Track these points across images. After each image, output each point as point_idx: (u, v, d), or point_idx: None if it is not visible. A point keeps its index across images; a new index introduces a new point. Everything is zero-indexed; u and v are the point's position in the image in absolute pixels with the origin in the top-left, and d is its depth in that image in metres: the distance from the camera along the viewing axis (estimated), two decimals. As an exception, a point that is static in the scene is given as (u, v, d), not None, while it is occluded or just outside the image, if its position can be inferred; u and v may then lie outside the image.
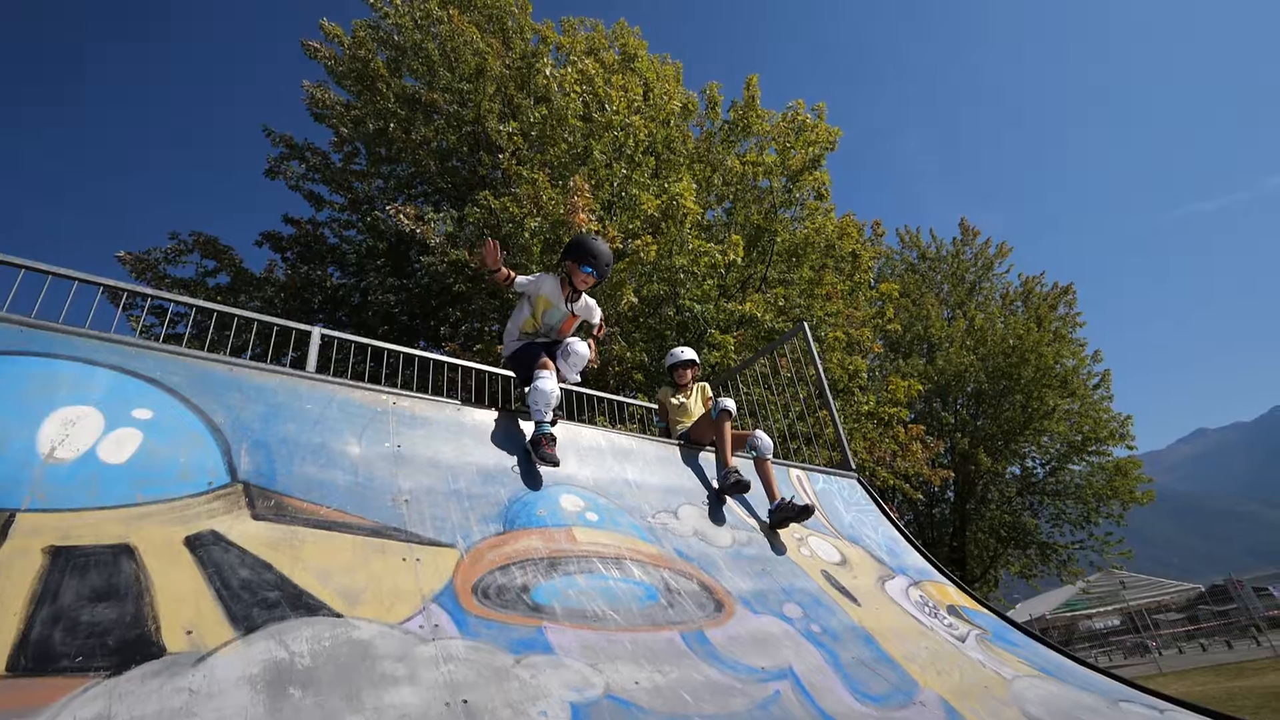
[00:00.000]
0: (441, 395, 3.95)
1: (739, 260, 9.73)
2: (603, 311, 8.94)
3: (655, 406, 5.76)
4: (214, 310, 4.49)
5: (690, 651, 2.72)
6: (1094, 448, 20.81)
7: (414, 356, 5.58)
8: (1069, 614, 32.51)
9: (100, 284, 3.68)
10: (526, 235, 8.20)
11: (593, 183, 9.09)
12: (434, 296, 11.07)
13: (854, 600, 3.84)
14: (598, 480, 3.66)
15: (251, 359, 4.52)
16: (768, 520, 4.23)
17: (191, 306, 5.31)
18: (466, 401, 3.68)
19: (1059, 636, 31.40)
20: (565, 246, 4.04)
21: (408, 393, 3.45)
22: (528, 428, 3.82)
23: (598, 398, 7.10)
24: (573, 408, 6.51)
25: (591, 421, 6.80)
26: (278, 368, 3.18)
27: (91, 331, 2.82)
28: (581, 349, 3.89)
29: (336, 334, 4.94)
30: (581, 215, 7.85)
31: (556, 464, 3.42)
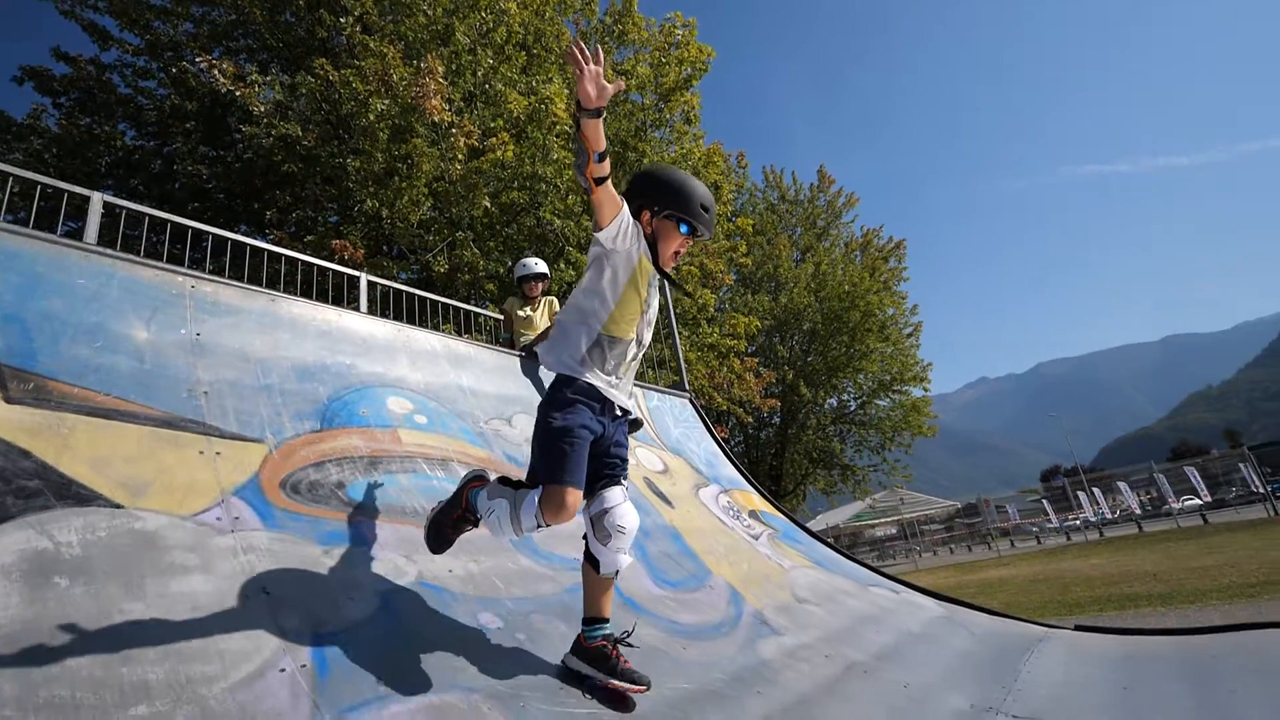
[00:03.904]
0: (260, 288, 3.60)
1: (603, 178, 9.62)
2: (454, 215, 8.43)
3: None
4: (-48, 154, 3.64)
5: (508, 545, 2.87)
6: (899, 387, 23.99)
7: (228, 240, 4.99)
8: (857, 524, 38.28)
9: None
10: (371, 117, 7.44)
11: (452, 68, 8.37)
12: (259, 175, 9.80)
13: (669, 504, 4.23)
14: (429, 384, 3.61)
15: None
16: (599, 431, 4.45)
17: (-81, 147, 4.26)
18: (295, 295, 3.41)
19: (848, 542, 36.92)
20: (640, 183, 2.23)
21: (211, 277, 3.11)
22: (361, 326, 3.63)
23: (445, 304, 6.85)
24: (414, 312, 6.23)
25: (436, 328, 6.58)
26: (37, 233, 2.71)
27: None
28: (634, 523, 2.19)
29: (127, 204, 4.25)
30: (434, 102, 7.25)
31: None
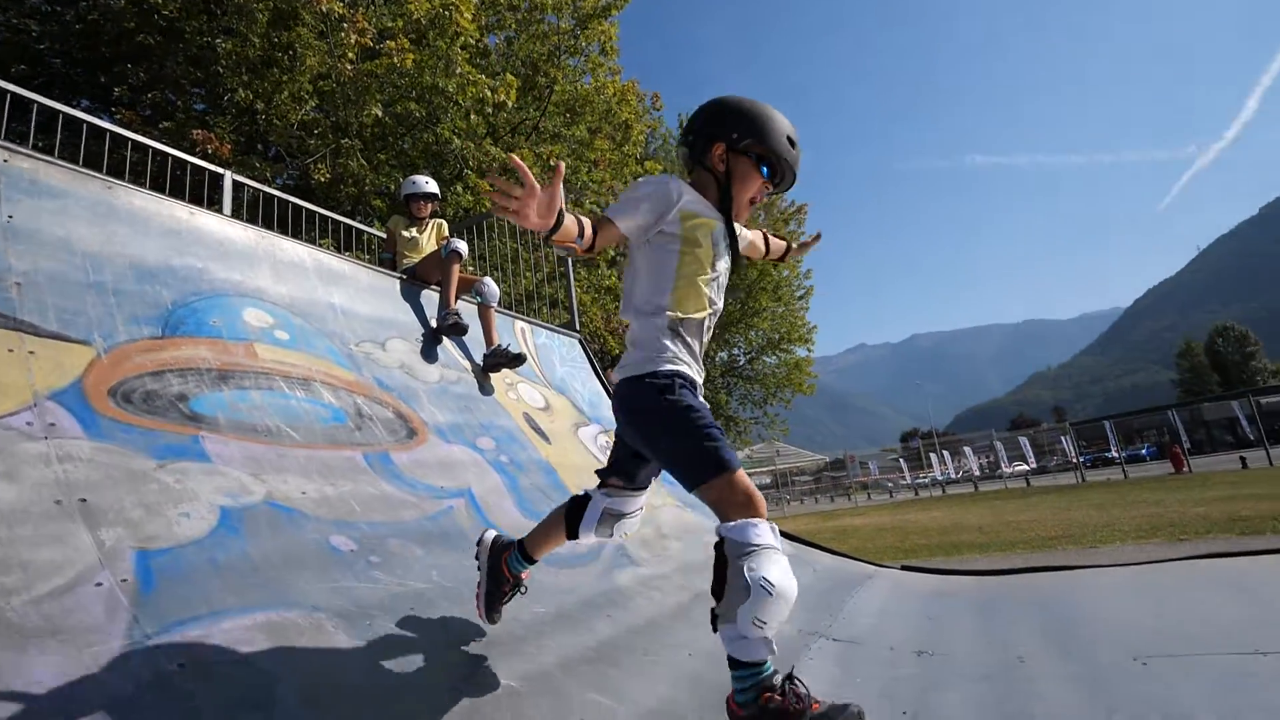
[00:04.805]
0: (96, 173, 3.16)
1: (510, 102, 9.14)
2: (341, 119, 7.77)
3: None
4: None
5: (370, 469, 2.81)
6: (786, 346, 25.30)
7: (60, 114, 4.29)
8: (736, 472, 40.66)
9: None
10: (248, -5, 6.57)
11: (348, -45, 7.51)
12: (107, 43, 8.42)
13: (546, 440, 4.28)
14: (295, 299, 3.38)
15: None
16: (481, 364, 4.38)
17: None
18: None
19: (725, 489, 39.20)
20: (712, 112, 1.82)
21: (29, 152, 2.70)
22: (217, 227, 3.29)
23: (324, 217, 6.33)
24: (288, 222, 5.73)
25: (314, 243, 6.06)
26: None
27: None
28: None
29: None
30: (322, -10, 6.51)
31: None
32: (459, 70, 8.03)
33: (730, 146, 1.77)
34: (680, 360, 1.72)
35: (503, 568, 2.09)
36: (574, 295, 6.30)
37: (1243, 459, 20.43)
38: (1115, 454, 26.52)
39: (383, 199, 8.32)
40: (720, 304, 1.88)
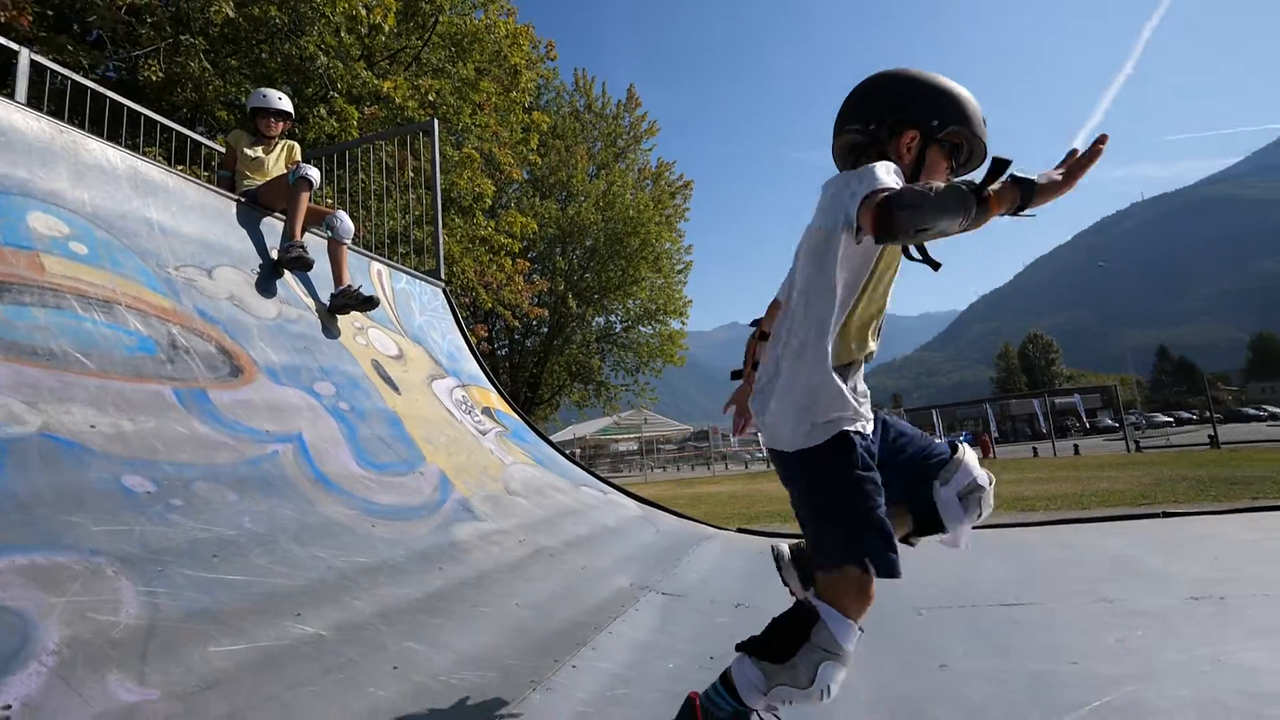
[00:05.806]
0: None
1: (388, 26, 8.40)
2: (183, 11, 6.84)
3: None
4: None
5: (180, 406, 2.55)
6: (661, 317, 25.87)
7: None
8: (603, 437, 41.38)
9: None
10: None
11: None
12: None
13: (395, 390, 4.10)
14: (100, 209, 2.94)
15: None
16: (328, 304, 4.10)
17: None
18: None
19: (591, 453, 39.87)
20: (896, 89, 1.45)
21: None
22: (28, 128, 2.77)
23: (153, 120, 5.50)
24: (107, 123, 4.91)
25: (137, 149, 5.21)
26: None
27: None
28: None
29: None
30: None
31: None
32: (330, -22, 7.25)
33: (929, 134, 1.43)
34: (861, 414, 1.45)
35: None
36: (440, 240, 6.02)
37: (1034, 449, 24.00)
38: (937, 439, 30.14)
39: (230, 111, 7.37)
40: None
